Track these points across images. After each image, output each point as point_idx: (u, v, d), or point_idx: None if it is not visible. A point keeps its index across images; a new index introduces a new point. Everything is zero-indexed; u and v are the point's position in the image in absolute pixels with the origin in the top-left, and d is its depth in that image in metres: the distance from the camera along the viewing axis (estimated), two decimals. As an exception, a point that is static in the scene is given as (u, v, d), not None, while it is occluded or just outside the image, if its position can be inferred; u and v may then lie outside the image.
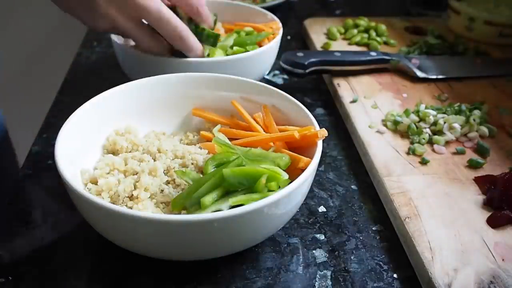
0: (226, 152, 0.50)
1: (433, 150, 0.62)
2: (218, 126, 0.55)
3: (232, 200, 0.44)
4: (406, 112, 0.67)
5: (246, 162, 0.48)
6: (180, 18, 0.64)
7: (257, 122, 0.56)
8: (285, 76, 0.83)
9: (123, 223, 0.40)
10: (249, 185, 0.46)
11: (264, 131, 0.56)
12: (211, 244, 0.43)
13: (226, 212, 0.39)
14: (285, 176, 0.47)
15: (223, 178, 0.46)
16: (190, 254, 0.45)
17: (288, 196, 0.42)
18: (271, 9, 0.99)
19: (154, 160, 0.53)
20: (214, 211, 0.43)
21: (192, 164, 0.53)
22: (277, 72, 0.84)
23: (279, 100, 0.57)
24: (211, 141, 0.55)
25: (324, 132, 0.50)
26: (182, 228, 0.40)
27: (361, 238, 0.52)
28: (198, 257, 0.46)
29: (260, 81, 0.75)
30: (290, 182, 0.44)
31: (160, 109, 0.60)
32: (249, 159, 0.48)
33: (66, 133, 0.49)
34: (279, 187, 0.47)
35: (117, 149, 0.55)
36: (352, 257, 0.50)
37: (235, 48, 0.71)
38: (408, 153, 0.61)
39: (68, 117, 0.51)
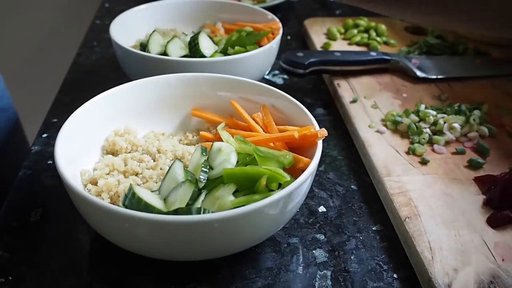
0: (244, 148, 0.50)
1: (433, 150, 0.62)
2: (222, 124, 0.55)
3: (233, 202, 0.43)
4: (406, 112, 0.67)
5: (258, 159, 0.48)
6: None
7: (257, 122, 0.56)
8: (285, 76, 0.83)
9: (123, 223, 0.40)
10: (249, 186, 0.46)
11: (263, 131, 0.56)
12: (211, 245, 0.43)
13: (226, 213, 0.39)
14: (287, 177, 0.47)
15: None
16: (190, 254, 0.45)
17: (288, 196, 0.42)
18: (271, 9, 0.99)
19: (154, 161, 0.53)
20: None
21: (192, 164, 0.53)
22: (277, 72, 0.84)
23: (279, 100, 0.57)
24: (210, 141, 0.55)
25: (324, 132, 0.50)
26: (181, 229, 0.40)
27: (361, 238, 0.52)
28: (198, 258, 0.46)
29: (260, 81, 0.75)
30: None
31: (159, 110, 0.60)
32: (261, 156, 0.48)
33: (65, 133, 0.49)
34: (280, 186, 0.47)
35: (117, 149, 0.54)
36: (352, 257, 0.50)
37: (235, 48, 0.71)
38: (408, 153, 0.61)
39: (68, 117, 0.51)
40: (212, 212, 0.41)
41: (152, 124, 0.60)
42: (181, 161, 0.47)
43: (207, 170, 0.47)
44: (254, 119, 0.57)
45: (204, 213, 0.41)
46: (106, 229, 0.44)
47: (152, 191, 0.47)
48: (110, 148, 0.55)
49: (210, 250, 0.44)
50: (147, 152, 0.54)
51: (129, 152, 0.55)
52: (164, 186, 0.47)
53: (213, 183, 0.47)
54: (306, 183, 0.45)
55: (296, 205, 0.47)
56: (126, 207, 0.43)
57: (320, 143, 0.49)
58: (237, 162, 0.49)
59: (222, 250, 0.45)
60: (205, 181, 0.46)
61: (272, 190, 0.46)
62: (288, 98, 0.56)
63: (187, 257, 0.46)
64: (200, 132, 0.58)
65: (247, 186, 0.46)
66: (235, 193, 0.46)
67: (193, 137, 0.59)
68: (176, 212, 0.42)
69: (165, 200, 0.45)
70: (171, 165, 0.47)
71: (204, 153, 0.48)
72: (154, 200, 0.44)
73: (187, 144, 0.58)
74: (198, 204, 0.45)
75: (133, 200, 0.43)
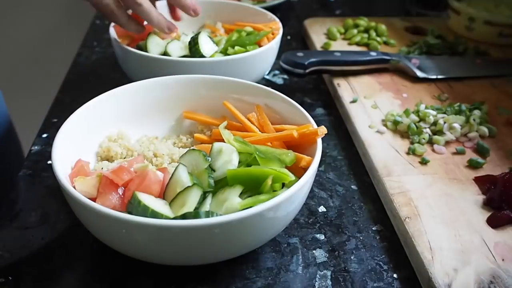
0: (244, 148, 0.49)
1: (433, 150, 0.62)
2: (224, 123, 0.55)
3: (241, 204, 0.43)
4: (406, 112, 0.67)
5: (260, 160, 0.48)
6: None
7: (252, 122, 0.56)
8: (285, 76, 0.83)
9: (120, 228, 0.40)
10: (253, 187, 0.46)
11: (259, 131, 0.55)
12: (219, 248, 0.43)
13: (239, 214, 0.39)
14: (292, 177, 0.47)
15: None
16: (197, 259, 0.44)
17: (291, 198, 0.42)
18: (271, 9, 0.99)
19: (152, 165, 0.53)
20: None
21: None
22: (277, 72, 0.84)
23: (272, 99, 0.56)
24: (205, 143, 0.55)
25: (323, 130, 0.49)
26: (193, 233, 0.39)
27: (361, 238, 0.52)
28: (203, 262, 0.45)
29: (260, 81, 0.75)
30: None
31: (150, 113, 0.59)
32: (262, 157, 0.48)
33: (60, 142, 0.48)
34: (283, 186, 0.47)
35: (112, 155, 0.54)
36: (352, 257, 0.50)
37: (235, 48, 0.71)
38: (408, 153, 0.61)
39: (68, 117, 0.51)
40: (221, 215, 0.41)
41: (144, 128, 0.59)
42: (185, 165, 0.47)
43: (213, 176, 0.47)
44: (249, 119, 0.56)
45: (212, 216, 0.40)
46: (104, 234, 0.44)
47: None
48: (104, 154, 0.54)
49: (211, 255, 0.44)
50: (144, 156, 0.54)
51: (124, 158, 0.55)
52: (169, 190, 0.46)
53: (217, 185, 0.47)
54: (308, 184, 0.45)
55: (298, 206, 0.47)
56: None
57: (320, 142, 0.49)
58: (239, 162, 0.49)
59: (223, 254, 0.44)
60: (213, 186, 0.46)
61: (275, 190, 0.46)
62: (282, 97, 0.56)
63: (192, 262, 0.45)
64: (195, 135, 0.57)
65: (251, 187, 0.46)
66: (240, 195, 0.45)
67: (187, 139, 0.58)
68: (184, 216, 0.42)
69: (170, 204, 0.45)
70: (175, 169, 0.46)
71: (207, 158, 0.48)
72: (160, 206, 0.43)
73: (181, 147, 0.57)
74: (206, 207, 0.44)
75: (139, 208, 0.42)
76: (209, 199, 0.45)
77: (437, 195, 0.55)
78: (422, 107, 0.68)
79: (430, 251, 0.47)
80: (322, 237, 0.52)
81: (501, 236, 0.50)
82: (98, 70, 0.84)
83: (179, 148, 0.56)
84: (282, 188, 0.47)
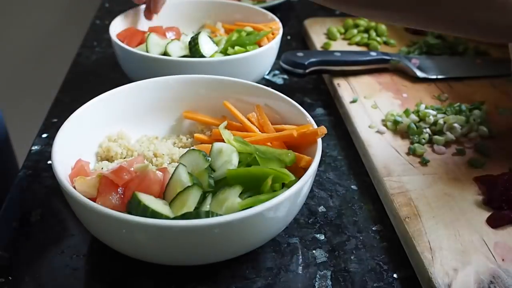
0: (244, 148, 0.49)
1: (433, 150, 0.62)
2: (224, 123, 0.55)
3: (241, 204, 0.43)
4: (406, 112, 0.67)
5: (260, 160, 0.48)
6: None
7: (252, 122, 0.56)
8: (285, 76, 0.83)
9: (120, 228, 0.40)
10: (253, 187, 0.46)
11: (259, 131, 0.55)
12: (213, 249, 0.43)
13: (226, 217, 0.39)
14: (292, 177, 0.47)
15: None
16: (190, 259, 0.44)
17: (297, 194, 0.42)
18: (271, 9, 0.99)
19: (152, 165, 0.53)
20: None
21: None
22: (277, 72, 0.84)
23: (273, 99, 0.56)
24: (205, 144, 0.55)
25: (323, 130, 0.50)
26: (193, 233, 0.39)
27: (361, 238, 0.52)
28: (203, 262, 0.45)
29: (260, 81, 0.75)
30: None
31: (150, 113, 0.59)
32: (262, 157, 0.48)
33: (61, 140, 0.48)
34: (283, 186, 0.47)
35: (111, 155, 0.54)
36: (352, 257, 0.50)
37: (235, 48, 0.71)
38: (408, 153, 0.61)
39: (68, 117, 0.51)
40: (221, 215, 0.41)
41: (144, 128, 0.59)
42: (185, 165, 0.47)
43: (213, 176, 0.47)
44: (249, 119, 0.56)
45: (212, 216, 0.40)
46: (105, 234, 0.44)
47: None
48: (104, 154, 0.54)
49: (217, 254, 0.44)
50: (144, 156, 0.54)
51: (124, 158, 0.55)
52: (169, 190, 0.46)
53: (217, 185, 0.47)
54: (310, 181, 0.45)
55: (298, 206, 0.47)
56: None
57: (320, 142, 0.49)
58: (239, 162, 0.49)
59: (223, 254, 0.44)
60: (213, 186, 0.46)
61: (275, 190, 0.46)
62: (282, 97, 0.56)
63: (192, 262, 0.45)
64: (195, 135, 0.57)
65: (251, 187, 0.46)
66: (240, 195, 0.45)
67: (187, 139, 0.58)
68: (184, 216, 0.42)
69: (170, 204, 0.45)
70: (175, 169, 0.46)
71: (207, 158, 0.48)
72: (159, 206, 0.43)
73: (181, 147, 0.57)
74: (206, 207, 0.44)
75: (139, 208, 0.42)
76: (209, 199, 0.45)
77: (437, 195, 0.55)
78: (422, 107, 0.68)
79: (430, 251, 0.47)
80: (322, 237, 0.52)
81: (501, 236, 0.50)
82: (98, 70, 0.84)
83: (179, 148, 0.56)
84: (282, 188, 0.47)
